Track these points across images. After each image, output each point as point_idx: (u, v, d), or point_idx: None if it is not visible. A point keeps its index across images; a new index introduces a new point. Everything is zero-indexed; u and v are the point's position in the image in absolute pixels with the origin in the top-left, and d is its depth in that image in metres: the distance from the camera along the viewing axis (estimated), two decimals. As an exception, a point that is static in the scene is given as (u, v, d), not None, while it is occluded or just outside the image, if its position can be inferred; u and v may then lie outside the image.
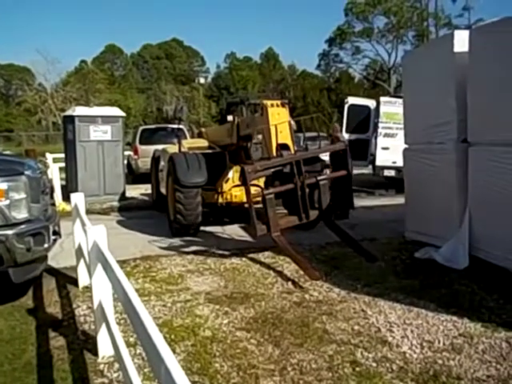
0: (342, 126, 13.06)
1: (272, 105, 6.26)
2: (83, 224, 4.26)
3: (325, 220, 6.15)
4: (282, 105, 6.31)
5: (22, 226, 4.45)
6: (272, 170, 5.77)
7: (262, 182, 6.59)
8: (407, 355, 3.44)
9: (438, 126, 5.97)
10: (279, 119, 6.09)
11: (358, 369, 3.26)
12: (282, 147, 5.88)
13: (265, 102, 6.38)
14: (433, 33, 42.57)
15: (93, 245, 3.38)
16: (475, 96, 5.34)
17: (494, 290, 4.61)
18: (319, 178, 5.89)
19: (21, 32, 74.04)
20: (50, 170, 11.96)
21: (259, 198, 7.40)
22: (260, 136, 6.64)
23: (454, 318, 4.01)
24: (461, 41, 5.57)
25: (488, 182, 5.18)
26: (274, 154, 5.88)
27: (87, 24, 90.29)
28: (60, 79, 48.55)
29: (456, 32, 5.82)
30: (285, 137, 6.02)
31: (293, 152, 5.97)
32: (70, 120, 11.19)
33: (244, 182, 5.56)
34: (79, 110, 11.46)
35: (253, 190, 6.16)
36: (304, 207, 5.75)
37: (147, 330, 1.81)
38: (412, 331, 3.82)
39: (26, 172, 4.68)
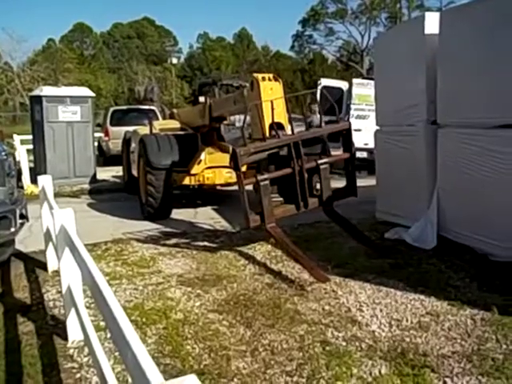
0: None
1: (264, 78, 5.58)
2: (50, 207, 4.17)
3: (325, 208, 5.49)
4: (275, 78, 5.66)
5: (-13, 210, 4.34)
6: (267, 152, 5.09)
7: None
8: (376, 334, 3.51)
9: (408, 108, 6.02)
10: (272, 95, 5.41)
11: (328, 348, 3.31)
12: (276, 127, 5.22)
13: (255, 75, 5.76)
14: (405, 15, 42.81)
15: (60, 228, 3.32)
16: (444, 78, 5.40)
17: (461, 269, 4.73)
18: (320, 161, 5.27)
19: (-16, 8, 71.03)
20: (17, 152, 11.69)
21: (231, 180, 7.22)
22: (247, 117, 5.87)
23: (422, 297, 4.10)
24: (432, 23, 5.60)
25: (456, 163, 5.27)
26: (267, 134, 5.23)
27: (54, 1, 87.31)
28: (27, 58, 47.03)
29: (427, 14, 5.86)
30: (279, 115, 5.35)
31: (288, 132, 5.36)
32: (37, 100, 10.91)
33: (236, 166, 4.87)
34: (47, 90, 11.17)
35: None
36: (303, 194, 5.15)
37: (114, 314, 1.79)
38: (381, 310, 3.90)
39: (-10, 154, 4.54)
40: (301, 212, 5.31)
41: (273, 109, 5.16)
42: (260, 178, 4.93)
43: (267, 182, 4.96)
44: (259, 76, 5.64)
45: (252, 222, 4.98)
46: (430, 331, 3.52)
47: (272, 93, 5.48)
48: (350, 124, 5.55)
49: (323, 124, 5.43)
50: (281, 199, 5.60)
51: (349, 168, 5.61)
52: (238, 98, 6.36)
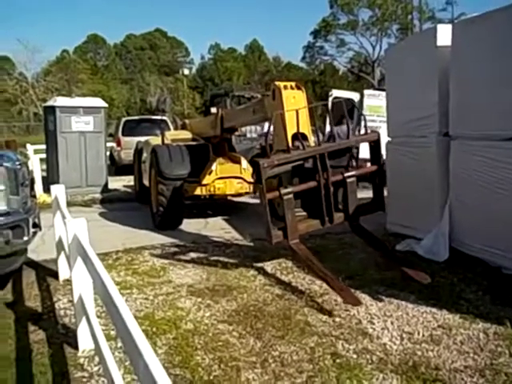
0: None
1: (286, 87, 5.26)
2: (63, 216, 4.21)
3: (351, 224, 5.17)
4: (298, 87, 5.33)
5: (1, 219, 4.39)
6: (291, 164, 4.78)
7: None
8: (387, 347, 3.48)
9: (419, 120, 6.00)
10: (295, 104, 5.11)
11: (338, 360, 3.29)
12: (298, 138, 4.93)
13: (277, 83, 5.40)
14: (417, 26, 42.84)
15: (73, 238, 3.34)
16: (457, 90, 5.38)
17: (473, 282, 4.68)
18: (346, 174, 4.98)
19: (1, 20, 72.32)
20: (30, 162, 11.81)
21: (242, 191, 7.20)
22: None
23: (434, 310, 4.06)
24: (444, 35, 5.60)
25: (468, 175, 5.24)
26: (291, 145, 4.89)
27: (69, 13, 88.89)
28: (41, 69, 47.83)
29: (439, 26, 5.86)
30: (303, 125, 5.05)
31: (311, 143, 5.09)
32: (50, 111, 11.06)
33: (258, 179, 4.56)
34: (60, 101, 11.33)
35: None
36: (328, 209, 4.84)
37: (126, 324, 1.80)
38: (392, 323, 3.87)
39: (5, 164, 4.61)
40: (325, 227, 5.05)
41: (297, 118, 4.93)
42: (283, 191, 4.61)
43: (291, 195, 4.66)
44: (281, 84, 5.32)
45: (274, 237, 4.68)
46: (441, 345, 3.48)
47: (295, 101, 5.18)
48: (378, 135, 5.22)
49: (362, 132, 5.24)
50: (304, 213, 5.19)
51: (376, 181, 5.28)
52: (258, 107, 6.09)
